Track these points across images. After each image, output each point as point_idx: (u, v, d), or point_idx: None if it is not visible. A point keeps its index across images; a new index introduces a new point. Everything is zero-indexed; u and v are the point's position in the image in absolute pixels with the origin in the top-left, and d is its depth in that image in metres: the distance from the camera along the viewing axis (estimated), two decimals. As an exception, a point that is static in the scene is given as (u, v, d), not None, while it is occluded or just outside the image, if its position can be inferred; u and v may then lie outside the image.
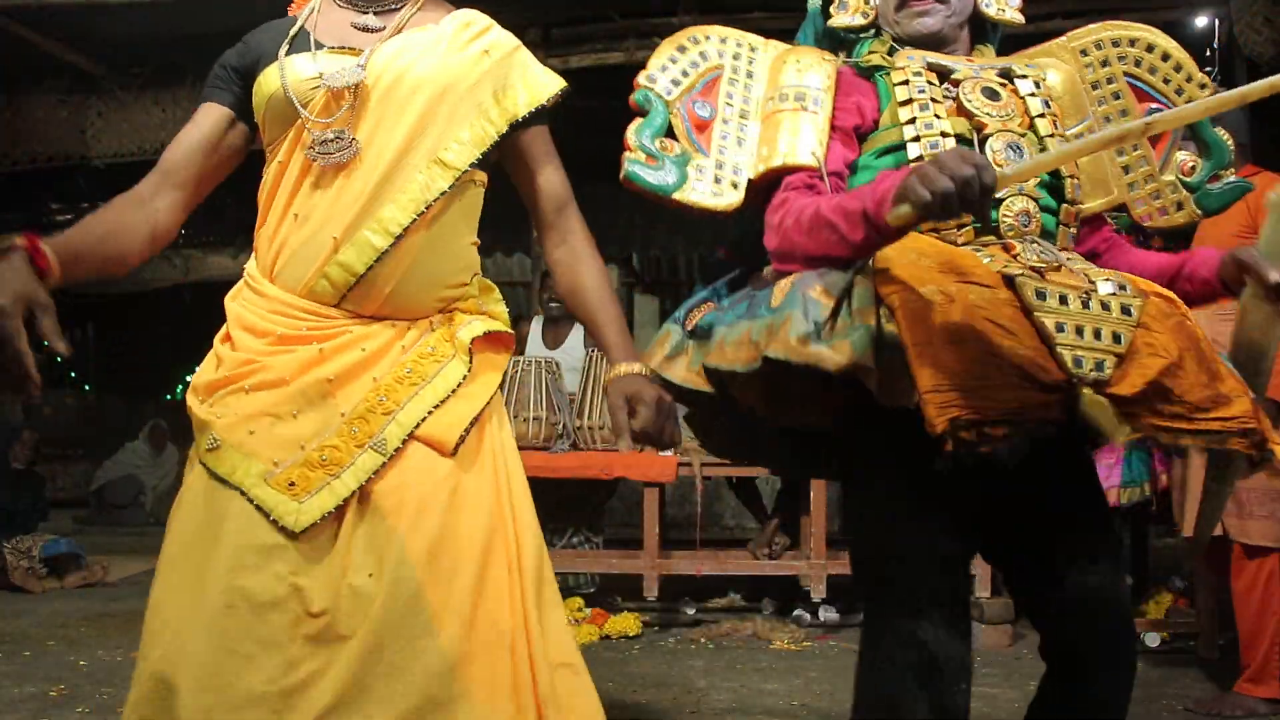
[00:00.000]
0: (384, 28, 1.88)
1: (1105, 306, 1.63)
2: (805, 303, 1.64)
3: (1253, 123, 3.78)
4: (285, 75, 1.81)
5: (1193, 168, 2.06)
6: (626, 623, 4.66)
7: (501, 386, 1.99)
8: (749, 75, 2.01)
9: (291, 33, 1.87)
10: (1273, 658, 3.41)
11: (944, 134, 1.82)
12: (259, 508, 1.65)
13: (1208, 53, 8.26)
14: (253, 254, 1.90)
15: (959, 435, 1.50)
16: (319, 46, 1.84)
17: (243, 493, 1.66)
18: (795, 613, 4.91)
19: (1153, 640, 4.42)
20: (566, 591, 4.96)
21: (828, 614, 4.89)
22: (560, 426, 4.75)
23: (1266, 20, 5.85)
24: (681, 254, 9.53)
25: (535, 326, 5.57)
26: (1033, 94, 1.94)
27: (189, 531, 1.70)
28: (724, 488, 6.72)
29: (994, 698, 3.72)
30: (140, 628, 1.68)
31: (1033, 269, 1.68)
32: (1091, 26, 2.19)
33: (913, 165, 1.69)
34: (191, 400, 1.79)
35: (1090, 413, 1.56)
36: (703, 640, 4.63)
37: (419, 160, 1.79)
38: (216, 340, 1.86)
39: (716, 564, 4.83)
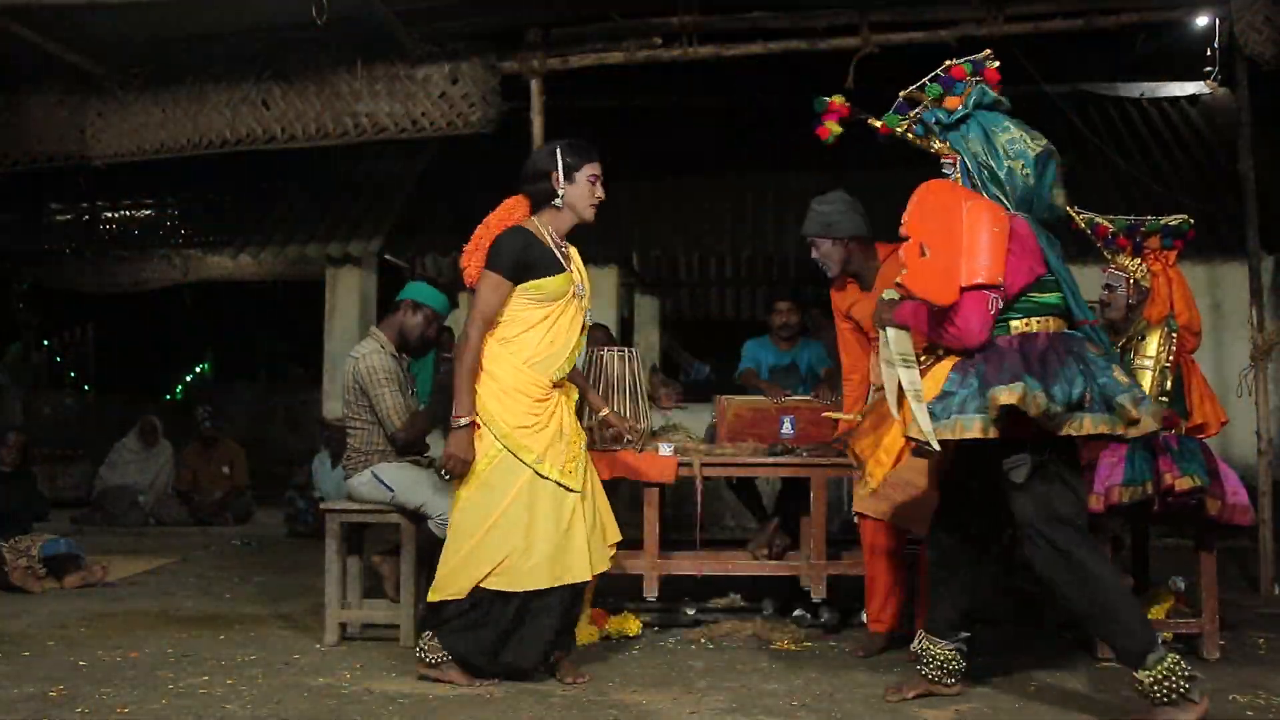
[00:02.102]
0: (566, 251, 3.94)
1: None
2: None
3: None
4: (564, 279, 3.88)
5: None
6: (626, 623, 4.65)
7: None
8: None
9: (557, 255, 3.88)
10: (890, 601, 4.38)
11: None
12: (560, 484, 3.84)
13: (1208, 52, 8.27)
14: (519, 348, 3.83)
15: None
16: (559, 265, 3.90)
17: (554, 480, 3.83)
18: (795, 613, 4.91)
19: (1153, 640, 4.41)
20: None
21: (828, 614, 4.89)
22: (560, 426, 4.75)
23: (1267, 20, 5.84)
24: (681, 254, 9.53)
25: None
26: None
27: (523, 496, 3.80)
28: (724, 488, 6.71)
29: (994, 698, 3.72)
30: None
31: None
32: None
33: None
34: (517, 432, 3.79)
35: None
36: (703, 640, 4.62)
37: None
38: (512, 391, 3.81)
39: (717, 564, 4.83)
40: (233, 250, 9.73)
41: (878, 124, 3.67)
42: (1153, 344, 4.36)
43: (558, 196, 3.85)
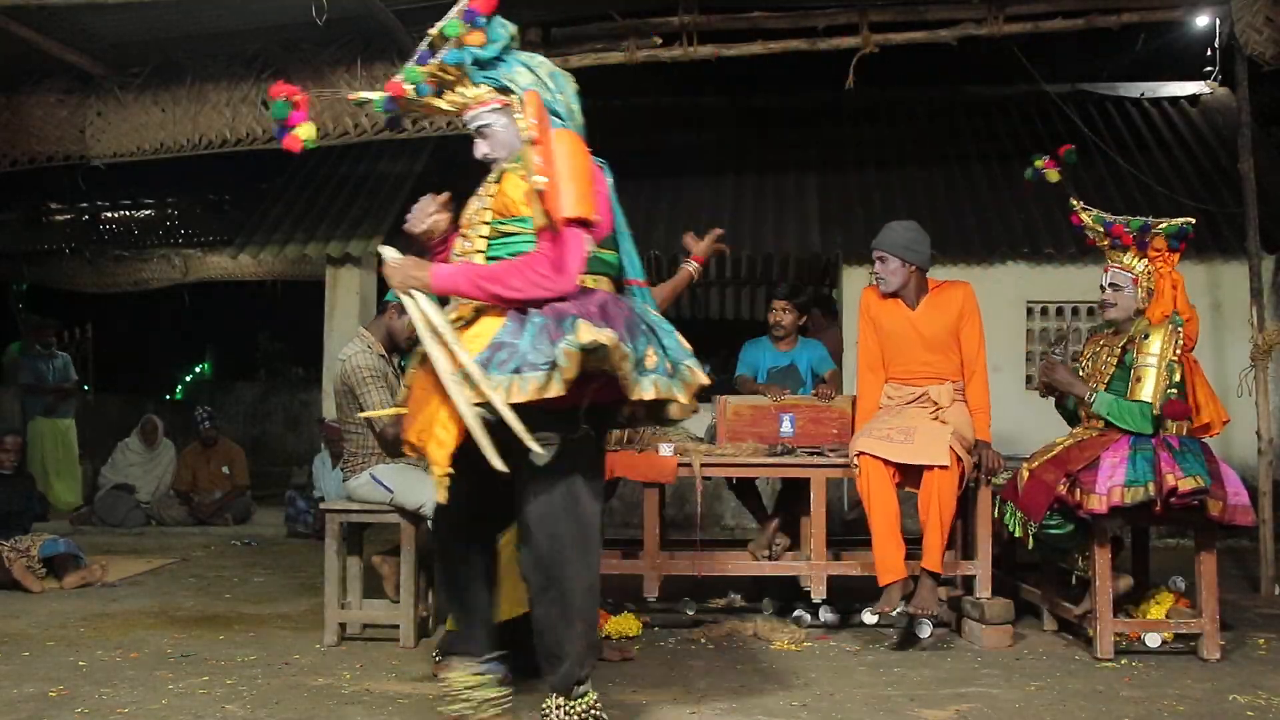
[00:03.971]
0: None
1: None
2: None
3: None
4: None
5: None
6: (626, 623, 4.65)
7: None
8: None
9: None
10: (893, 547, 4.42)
11: None
12: None
13: (1208, 52, 8.25)
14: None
15: None
16: None
17: None
18: (795, 613, 4.91)
19: (1153, 640, 4.41)
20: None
21: (828, 614, 4.89)
22: (560, 426, 4.75)
23: (1267, 20, 5.83)
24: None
25: None
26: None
27: None
28: (724, 488, 6.71)
29: (994, 698, 3.71)
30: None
31: None
32: None
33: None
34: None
35: None
36: (703, 640, 4.62)
37: None
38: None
39: (716, 564, 4.83)
40: (233, 250, 9.71)
41: (375, 95, 3.10)
42: (1156, 341, 4.35)
43: None
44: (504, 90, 3.05)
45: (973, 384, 4.65)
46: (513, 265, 2.92)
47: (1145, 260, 4.49)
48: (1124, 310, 4.51)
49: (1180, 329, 4.36)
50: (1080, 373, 4.61)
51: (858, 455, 4.49)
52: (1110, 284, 4.54)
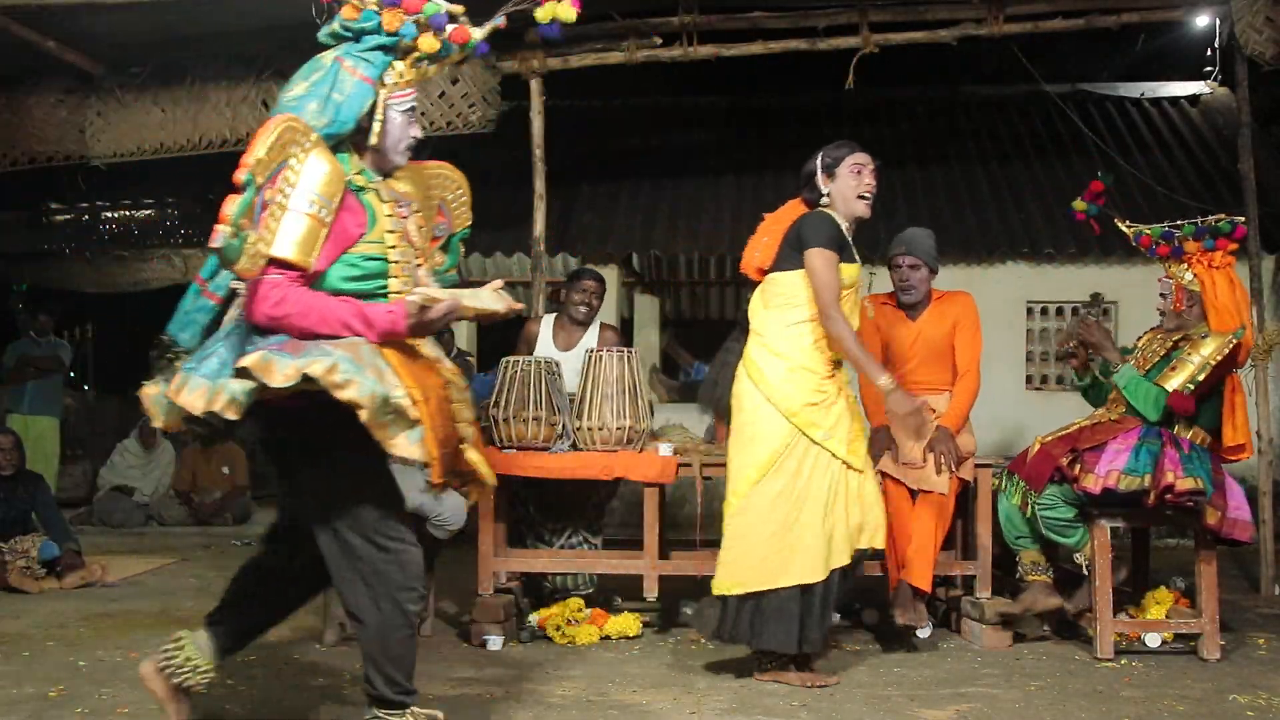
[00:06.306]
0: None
1: None
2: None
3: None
4: (858, 269, 3.98)
5: None
6: (626, 623, 4.65)
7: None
8: (296, 172, 2.65)
9: (851, 244, 3.99)
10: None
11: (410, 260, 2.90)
12: (846, 462, 3.84)
13: (1208, 52, 8.25)
14: (810, 329, 3.86)
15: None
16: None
17: (840, 458, 3.84)
18: (795, 613, 4.90)
19: (1153, 640, 4.41)
20: (565, 593, 4.96)
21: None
22: (560, 427, 4.73)
23: (1267, 20, 5.84)
24: (681, 253, 9.52)
25: (546, 326, 5.43)
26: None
27: (819, 477, 3.83)
28: (724, 487, 6.70)
29: (994, 698, 3.71)
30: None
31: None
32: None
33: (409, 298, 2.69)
34: (805, 410, 3.77)
35: None
36: (703, 640, 4.62)
37: None
38: (800, 369, 3.83)
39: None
40: (233, 250, 9.70)
41: None
42: (1211, 345, 4.34)
43: (824, 195, 3.96)
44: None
45: (960, 381, 4.67)
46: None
47: (1187, 267, 4.52)
48: (1169, 318, 4.59)
49: (1237, 342, 4.34)
50: (1133, 358, 4.61)
51: (880, 474, 4.48)
52: (1160, 293, 4.64)
